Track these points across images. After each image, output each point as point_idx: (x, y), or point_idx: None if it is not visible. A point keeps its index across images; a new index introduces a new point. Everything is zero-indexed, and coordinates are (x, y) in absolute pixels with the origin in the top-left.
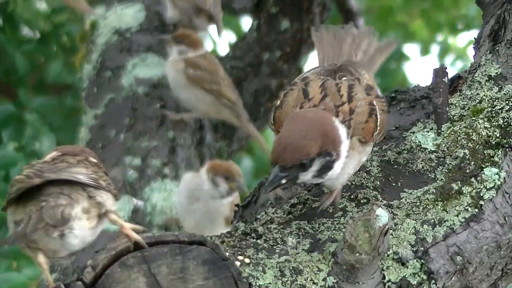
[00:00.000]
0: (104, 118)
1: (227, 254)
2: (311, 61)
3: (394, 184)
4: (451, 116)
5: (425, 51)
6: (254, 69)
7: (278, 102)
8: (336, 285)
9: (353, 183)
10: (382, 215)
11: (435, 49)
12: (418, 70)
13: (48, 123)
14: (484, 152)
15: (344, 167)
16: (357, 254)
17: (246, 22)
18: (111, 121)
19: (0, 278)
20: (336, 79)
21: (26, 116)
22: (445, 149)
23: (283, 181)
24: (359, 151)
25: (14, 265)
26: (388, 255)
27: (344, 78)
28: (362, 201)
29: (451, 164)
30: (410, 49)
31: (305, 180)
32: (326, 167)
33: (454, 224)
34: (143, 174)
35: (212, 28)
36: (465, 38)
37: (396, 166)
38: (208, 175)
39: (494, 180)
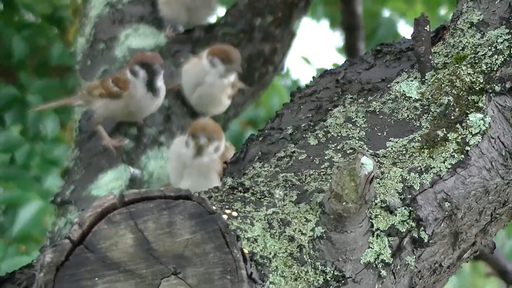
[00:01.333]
0: None
1: (214, 208)
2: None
3: (379, 134)
4: (434, 64)
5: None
6: (247, 35)
7: None
8: (324, 235)
9: (339, 134)
10: (367, 163)
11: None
12: None
13: None
14: (468, 98)
15: None
16: (344, 203)
17: None
18: None
19: (9, 262)
20: None
21: (28, 98)
22: (430, 97)
23: None
24: None
25: (23, 248)
26: (376, 204)
27: None
28: (348, 152)
29: (435, 111)
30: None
31: None
32: None
33: (441, 170)
34: (139, 142)
35: None
36: None
37: (381, 116)
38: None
39: (479, 125)
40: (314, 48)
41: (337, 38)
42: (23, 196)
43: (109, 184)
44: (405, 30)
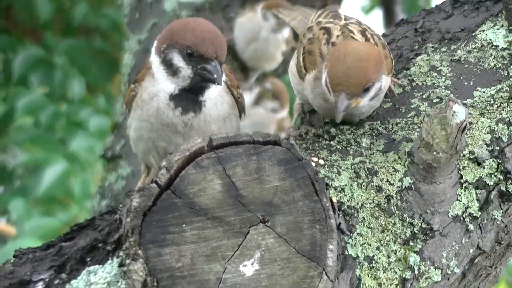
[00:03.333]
0: (148, 43)
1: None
2: None
3: (466, 83)
4: None
5: None
6: None
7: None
8: (413, 186)
9: (424, 83)
10: (459, 111)
11: None
12: None
13: (77, 66)
14: None
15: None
16: (434, 153)
17: None
18: None
19: (34, 223)
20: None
21: (55, 59)
22: None
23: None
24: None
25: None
26: (464, 155)
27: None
28: (434, 101)
29: None
30: None
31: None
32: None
33: None
34: None
35: None
36: None
37: (467, 65)
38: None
39: None
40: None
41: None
42: (47, 158)
43: None
44: None
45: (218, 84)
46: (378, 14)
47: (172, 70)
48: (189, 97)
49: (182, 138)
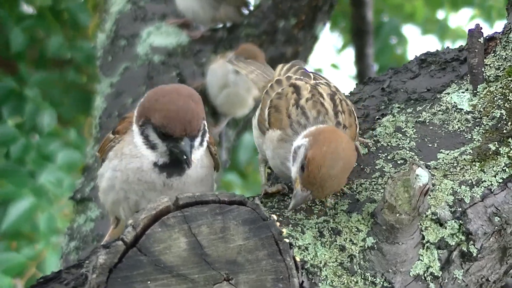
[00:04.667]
0: (119, 86)
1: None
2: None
3: (430, 145)
4: (486, 76)
5: (425, 30)
6: (269, 37)
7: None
8: (375, 245)
9: (389, 144)
10: (422, 175)
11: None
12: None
13: (49, 98)
14: None
15: None
16: (397, 214)
17: None
18: (127, 89)
19: None
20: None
21: (27, 92)
22: (482, 110)
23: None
24: None
25: (14, 245)
26: (426, 216)
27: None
28: (399, 162)
29: (487, 124)
30: (410, 30)
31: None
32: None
33: (491, 184)
34: None
35: None
36: (466, 15)
37: (431, 127)
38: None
39: None
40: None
41: (337, 39)
42: (15, 192)
43: None
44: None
45: (187, 166)
46: (350, 52)
47: (149, 143)
48: (173, 165)
49: (157, 195)
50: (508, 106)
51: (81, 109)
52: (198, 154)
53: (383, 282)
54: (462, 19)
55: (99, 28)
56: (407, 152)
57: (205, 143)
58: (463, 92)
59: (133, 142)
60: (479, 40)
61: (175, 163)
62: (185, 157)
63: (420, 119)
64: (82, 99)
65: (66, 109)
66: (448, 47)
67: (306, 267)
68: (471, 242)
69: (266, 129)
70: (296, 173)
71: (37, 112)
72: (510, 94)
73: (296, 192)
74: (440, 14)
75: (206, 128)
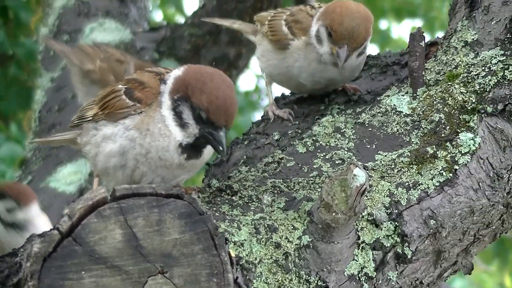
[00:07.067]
0: (60, 81)
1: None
2: None
3: (368, 146)
4: (426, 80)
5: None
6: (213, 37)
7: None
8: (311, 244)
9: (328, 144)
10: (360, 175)
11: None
12: None
13: None
14: (460, 117)
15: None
16: (334, 214)
17: None
18: (68, 84)
19: None
20: None
21: None
22: (421, 113)
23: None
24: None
25: None
26: (362, 216)
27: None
28: (337, 162)
29: (426, 128)
30: None
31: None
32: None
33: (428, 188)
34: None
35: None
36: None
37: (370, 129)
38: None
39: (469, 145)
40: None
41: None
42: None
43: (68, 177)
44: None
45: (221, 156)
46: None
47: (180, 121)
48: (194, 147)
49: (168, 172)
50: (447, 110)
51: (21, 104)
52: None
53: (317, 281)
54: (405, 30)
55: (42, 22)
56: (346, 152)
57: None
58: (403, 95)
59: (161, 120)
60: (421, 43)
61: (196, 146)
62: (221, 147)
63: (359, 121)
64: (23, 94)
65: (7, 104)
66: (389, 50)
67: (241, 263)
68: (406, 244)
69: (289, 41)
70: (327, 43)
71: None
72: (450, 98)
73: (337, 52)
74: (383, 24)
75: None
